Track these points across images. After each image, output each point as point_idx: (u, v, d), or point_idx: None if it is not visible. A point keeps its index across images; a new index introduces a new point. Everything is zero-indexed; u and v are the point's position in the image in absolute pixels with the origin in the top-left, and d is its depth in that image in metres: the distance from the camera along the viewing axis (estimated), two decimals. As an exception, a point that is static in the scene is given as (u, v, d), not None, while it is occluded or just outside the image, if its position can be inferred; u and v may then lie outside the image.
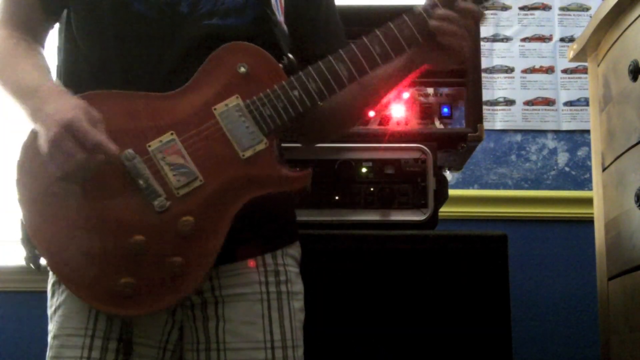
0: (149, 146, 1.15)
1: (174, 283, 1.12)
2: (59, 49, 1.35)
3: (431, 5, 1.21)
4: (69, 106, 1.11)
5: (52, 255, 1.13)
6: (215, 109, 1.17)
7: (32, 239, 1.14)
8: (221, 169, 1.15)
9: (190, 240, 1.13)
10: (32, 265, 1.17)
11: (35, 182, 1.15)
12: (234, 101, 1.18)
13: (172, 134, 1.16)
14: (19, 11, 1.27)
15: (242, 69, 1.19)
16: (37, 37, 1.29)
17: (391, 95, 1.36)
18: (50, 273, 1.24)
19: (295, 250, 1.33)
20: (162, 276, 1.12)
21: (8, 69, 1.22)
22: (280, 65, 1.21)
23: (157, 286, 1.12)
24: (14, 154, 1.19)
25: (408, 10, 1.22)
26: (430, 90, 1.88)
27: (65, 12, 1.31)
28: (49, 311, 1.24)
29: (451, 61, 1.24)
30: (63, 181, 1.12)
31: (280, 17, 1.31)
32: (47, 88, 1.17)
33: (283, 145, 1.38)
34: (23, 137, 1.19)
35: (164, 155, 1.15)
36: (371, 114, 1.83)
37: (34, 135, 1.16)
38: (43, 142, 1.10)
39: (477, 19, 1.21)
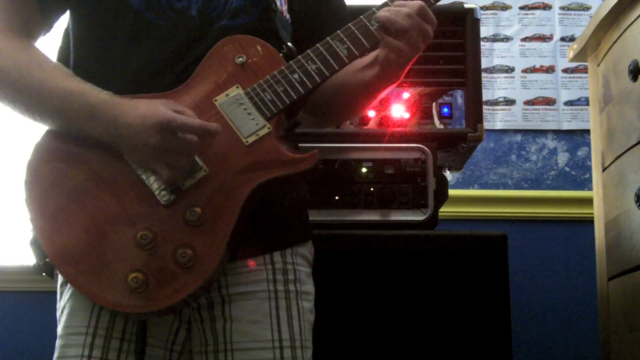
0: None
1: (185, 275, 1.11)
2: (60, 50, 1.33)
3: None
4: (147, 108, 1.10)
5: (60, 255, 1.12)
6: (215, 100, 1.18)
7: (40, 239, 1.13)
8: (226, 157, 1.15)
9: (199, 231, 1.12)
10: (40, 269, 1.16)
11: (45, 182, 1.15)
12: (234, 91, 1.18)
13: None
14: (18, 17, 1.23)
15: (240, 59, 1.20)
16: (35, 42, 1.26)
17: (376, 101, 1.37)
18: (58, 275, 1.22)
19: (306, 250, 1.31)
20: (173, 269, 1.10)
21: (43, 84, 1.16)
22: (280, 54, 1.22)
23: (167, 280, 1.10)
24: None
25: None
26: (430, 91, 1.88)
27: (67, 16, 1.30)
28: (57, 313, 1.23)
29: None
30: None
31: (283, 6, 1.32)
32: (100, 100, 1.13)
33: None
34: (29, 137, 1.17)
35: None
36: (371, 113, 1.83)
37: (48, 135, 1.16)
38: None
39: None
